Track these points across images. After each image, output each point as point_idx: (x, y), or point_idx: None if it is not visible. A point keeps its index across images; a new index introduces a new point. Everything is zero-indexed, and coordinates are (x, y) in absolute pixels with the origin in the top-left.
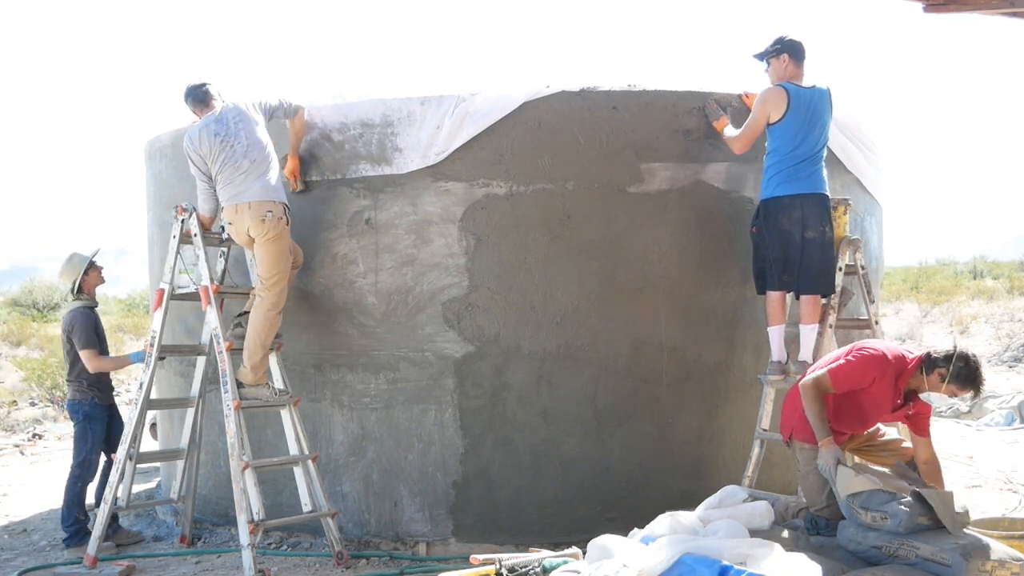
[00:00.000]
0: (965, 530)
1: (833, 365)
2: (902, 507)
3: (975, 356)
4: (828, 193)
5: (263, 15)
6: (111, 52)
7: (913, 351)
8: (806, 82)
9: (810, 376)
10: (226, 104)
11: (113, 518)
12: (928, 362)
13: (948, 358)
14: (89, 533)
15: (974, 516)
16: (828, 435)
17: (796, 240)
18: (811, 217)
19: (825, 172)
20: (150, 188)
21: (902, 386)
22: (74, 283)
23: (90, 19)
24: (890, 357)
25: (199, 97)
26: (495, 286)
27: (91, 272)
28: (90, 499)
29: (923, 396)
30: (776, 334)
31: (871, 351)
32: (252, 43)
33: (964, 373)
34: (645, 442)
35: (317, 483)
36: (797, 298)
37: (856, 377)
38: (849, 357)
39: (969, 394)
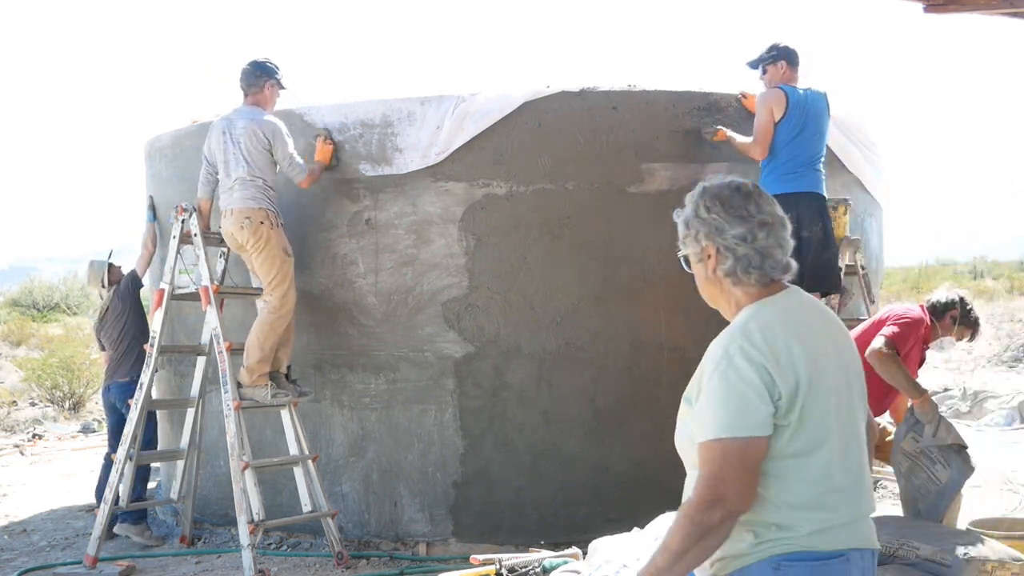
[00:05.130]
0: (965, 530)
1: (888, 331)
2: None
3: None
4: (825, 194)
5: (264, 14)
6: (111, 52)
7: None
8: (801, 84)
9: (877, 345)
10: (241, 114)
11: (144, 513)
12: (939, 308)
13: (952, 302)
14: (144, 513)
15: (974, 516)
16: (925, 391)
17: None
18: (805, 216)
19: (824, 174)
20: (150, 188)
21: (929, 341)
22: (102, 281)
23: (90, 18)
24: (920, 316)
25: (242, 82)
26: (495, 286)
27: (112, 271)
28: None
29: (932, 345)
30: None
31: (909, 314)
32: (253, 43)
33: (972, 312)
34: (645, 442)
35: (317, 483)
36: None
37: (909, 340)
38: (898, 322)
39: (968, 336)
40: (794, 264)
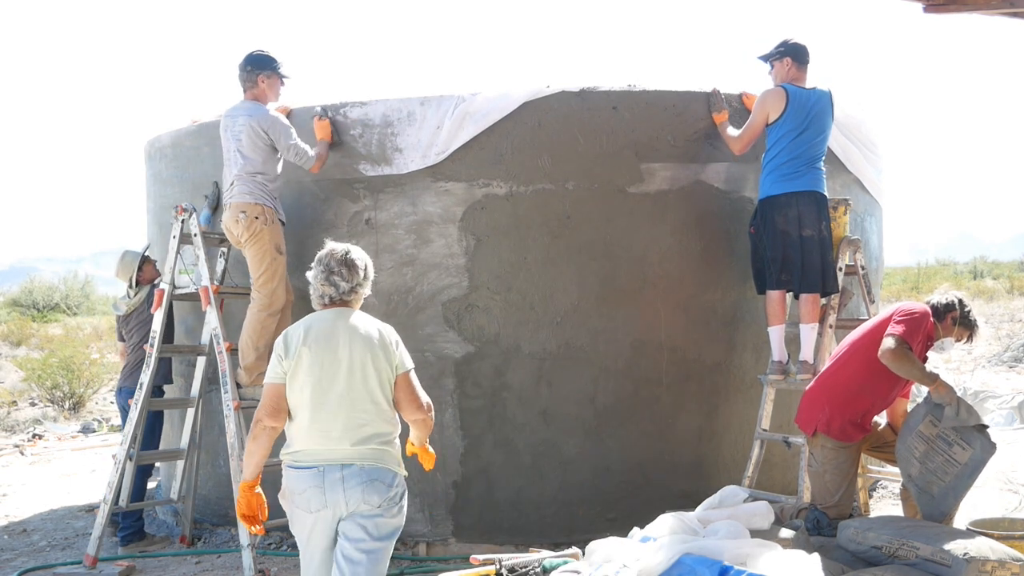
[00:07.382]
0: (965, 530)
1: (896, 330)
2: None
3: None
4: (826, 193)
5: (264, 15)
6: (111, 52)
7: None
8: (808, 84)
9: (889, 344)
10: (240, 110)
11: (139, 521)
12: (939, 309)
13: (951, 303)
14: (143, 529)
15: (974, 516)
16: (938, 376)
17: (794, 239)
18: (807, 215)
19: (824, 173)
20: (150, 188)
21: (933, 339)
22: (131, 279)
23: (90, 19)
24: (925, 311)
25: (239, 79)
26: (495, 286)
27: (146, 267)
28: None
29: (934, 347)
30: (776, 334)
31: (914, 309)
32: (253, 43)
33: (970, 312)
34: (645, 442)
35: None
36: (796, 297)
37: (917, 335)
38: (904, 319)
39: (966, 336)
40: (361, 293)
